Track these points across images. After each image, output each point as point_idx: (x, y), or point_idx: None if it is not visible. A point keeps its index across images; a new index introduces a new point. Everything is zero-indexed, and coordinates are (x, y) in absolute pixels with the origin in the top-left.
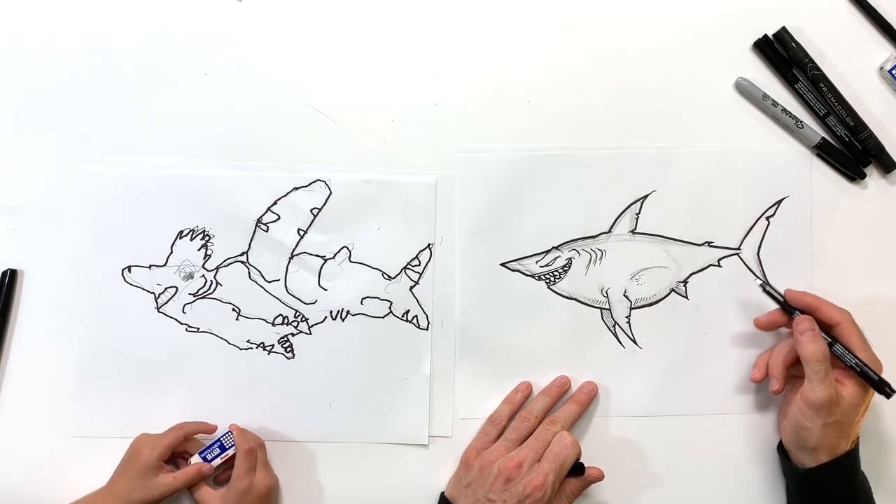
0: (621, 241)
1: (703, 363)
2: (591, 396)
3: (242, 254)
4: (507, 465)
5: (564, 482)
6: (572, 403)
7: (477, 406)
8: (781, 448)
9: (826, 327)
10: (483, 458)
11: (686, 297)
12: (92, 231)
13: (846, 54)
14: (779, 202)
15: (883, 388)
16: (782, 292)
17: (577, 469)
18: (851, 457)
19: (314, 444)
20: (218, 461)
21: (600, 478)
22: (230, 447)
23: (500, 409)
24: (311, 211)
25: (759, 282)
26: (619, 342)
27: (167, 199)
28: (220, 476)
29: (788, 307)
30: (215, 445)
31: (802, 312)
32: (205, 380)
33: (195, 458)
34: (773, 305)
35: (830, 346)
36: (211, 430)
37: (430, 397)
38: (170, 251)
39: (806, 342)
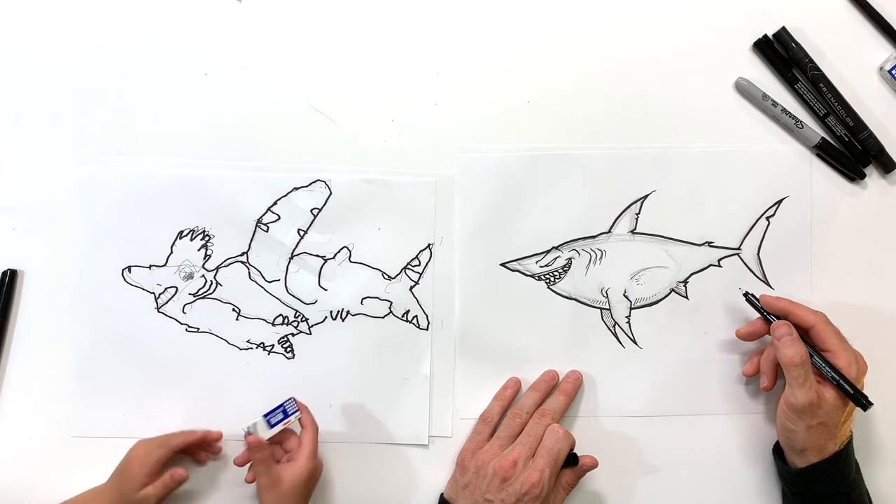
0: (621, 241)
1: (702, 363)
2: (577, 385)
3: (242, 254)
4: (502, 465)
5: (560, 474)
6: (560, 394)
7: (477, 406)
8: (776, 449)
9: (802, 331)
10: (478, 459)
11: (686, 297)
12: (92, 231)
13: (846, 54)
14: (779, 202)
15: (859, 401)
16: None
17: (572, 460)
18: (841, 456)
19: None
20: (280, 427)
21: (594, 465)
22: (293, 413)
23: (490, 406)
24: (311, 211)
25: (743, 290)
26: (619, 342)
27: (167, 199)
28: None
29: (768, 315)
30: (279, 410)
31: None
32: (205, 380)
33: (259, 420)
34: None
35: (810, 356)
36: (200, 438)
37: (430, 397)
38: (170, 251)
39: (784, 347)
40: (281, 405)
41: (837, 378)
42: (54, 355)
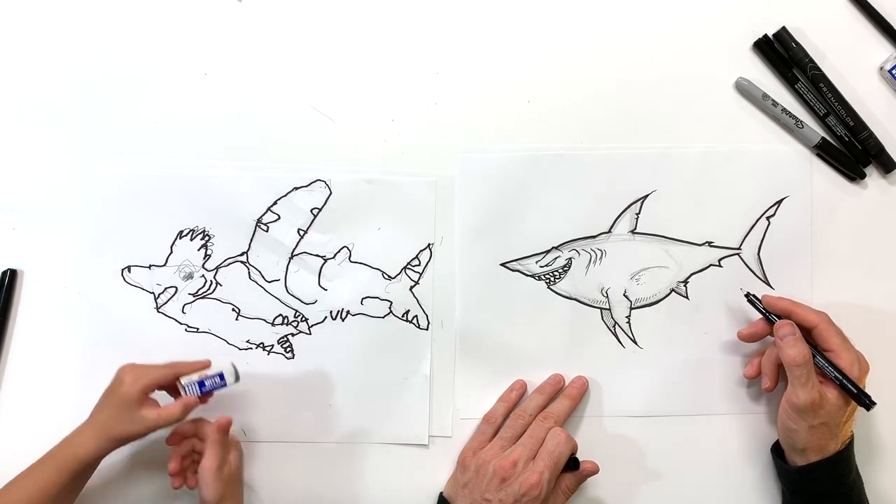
0: (621, 241)
1: (702, 363)
2: (582, 391)
3: (242, 254)
4: (503, 465)
5: (560, 478)
6: (564, 398)
7: (477, 406)
8: (775, 449)
9: (804, 331)
10: (479, 458)
11: (686, 297)
12: (92, 231)
13: (846, 54)
14: (779, 202)
15: (863, 401)
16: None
17: (573, 464)
18: (842, 456)
19: (314, 444)
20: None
21: (595, 471)
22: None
23: (495, 407)
24: (311, 211)
25: (744, 291)
26: (619, 342)
27: (167, 199)
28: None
29: (770, 315)
30: (217, 376)
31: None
32: None
33: (187, 380)
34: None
35: (812, 356)
36: (206, 366)
37: (430, 397)
38: (170, 251)
39: (786, 347)
40: (220, 372)
41: (841, 378)
42: (54, 355)
